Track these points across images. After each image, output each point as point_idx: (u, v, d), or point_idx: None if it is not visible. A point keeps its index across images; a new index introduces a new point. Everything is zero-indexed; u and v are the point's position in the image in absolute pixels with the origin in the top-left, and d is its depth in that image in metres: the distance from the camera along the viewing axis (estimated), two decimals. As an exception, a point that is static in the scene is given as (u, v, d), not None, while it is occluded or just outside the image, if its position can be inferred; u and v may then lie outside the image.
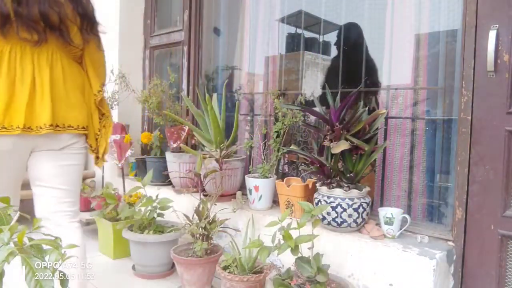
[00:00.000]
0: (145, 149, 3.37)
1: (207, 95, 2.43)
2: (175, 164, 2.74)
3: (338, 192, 1.86)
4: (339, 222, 1.85)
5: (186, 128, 2.81)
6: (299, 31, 2.62)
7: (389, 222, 1.81)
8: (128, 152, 2.90)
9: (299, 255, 1.61)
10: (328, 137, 1.91)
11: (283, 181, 2.18)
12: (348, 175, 1.89)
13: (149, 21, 3.52)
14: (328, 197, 1.87)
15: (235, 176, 2.49)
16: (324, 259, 1.65)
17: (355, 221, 1.85)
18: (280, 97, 2.49)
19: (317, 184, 1.98)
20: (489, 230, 1.64)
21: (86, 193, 3.04)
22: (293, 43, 2.67)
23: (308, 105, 2.35)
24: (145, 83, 3.51)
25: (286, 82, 2.63)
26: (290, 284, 1.60)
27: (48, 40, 1.46)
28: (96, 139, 1.65)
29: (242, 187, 2.52)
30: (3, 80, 1.38)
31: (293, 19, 2.64)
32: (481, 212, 1.66)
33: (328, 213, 1.86)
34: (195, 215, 2.08)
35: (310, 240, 1.59)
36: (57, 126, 1.47)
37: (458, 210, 1.71)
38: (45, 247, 1.02)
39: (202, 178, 2.19)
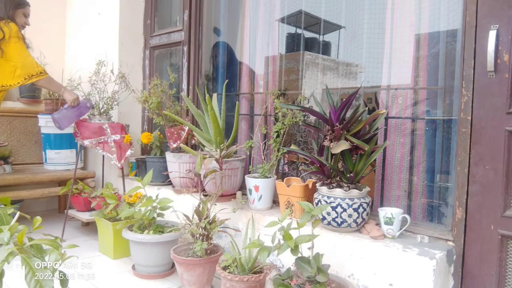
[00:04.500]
0: (145, 149, 3.37)
1: (207, 95, 2.43)
2: (175, 164, 2.74)
3: (338, 192, 1.86)
4: (339, 222, 1.85)
5: (186, 128, 2.81)
6: (299, 31, 2.62)
7: (389, 222, 1.81)
8: (128, 152, 2.90)
9: (299, 255, 1.61)
10: (328, 137, 1.91)
11: (283, 181, 2.18)
12: (348, 175, 1.89)
13: (149, 21, 3.52)
14: (328, 197, 1.88)
15: (235, 176, 2.49)
16: (324, 259, 1.65)
17: (355, 221, 1.85)
18: (280, 97, 2.49)
19: (317, 184, 1.98)
20: (489, 230, 1.64)
21: (86, 193, 3.04)
22: (293, 43, 2.67)
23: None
24: (145, 83, 3.51)
25: (286, 82, 2.63)
26: (290, 284, 1.60)
27: None
28: None
29: (242, 187, 2.52)
30: None
31: (293, 19, 2.64)
32: (481, 212, 1.66)
33: (328, 213, 1.86)
34: (195, 215, 2.08)
35: (310, 240, 1.60)
36: None
37: (458, 210, 1.71)
38: (45, 247, 1.02)
39: (202, 178, 2.19)
